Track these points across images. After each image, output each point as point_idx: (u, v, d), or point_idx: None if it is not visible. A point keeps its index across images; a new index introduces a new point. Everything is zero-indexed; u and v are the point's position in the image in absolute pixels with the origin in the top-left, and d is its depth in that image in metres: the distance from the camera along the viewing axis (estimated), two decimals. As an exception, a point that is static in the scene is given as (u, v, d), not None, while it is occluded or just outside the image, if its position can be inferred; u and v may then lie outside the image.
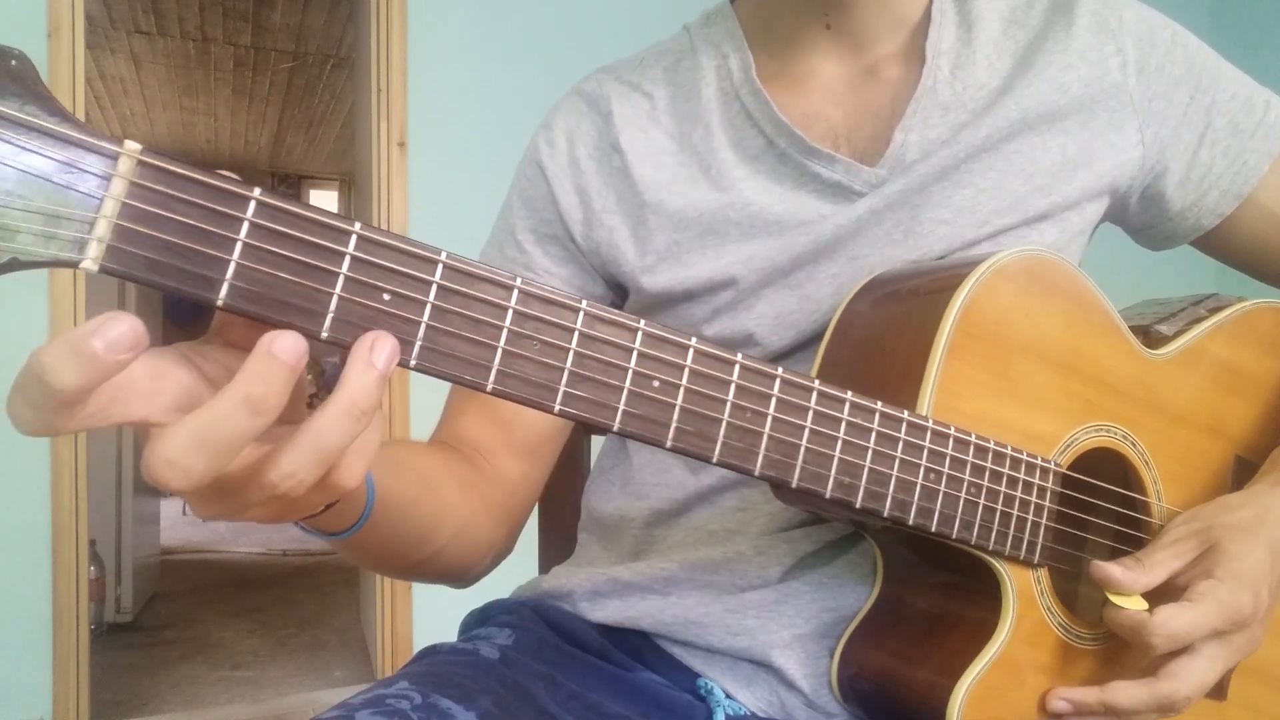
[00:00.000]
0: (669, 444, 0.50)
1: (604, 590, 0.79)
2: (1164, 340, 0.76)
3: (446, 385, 0.84)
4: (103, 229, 0.37)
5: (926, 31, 0.78)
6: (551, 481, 0.90)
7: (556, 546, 0.98)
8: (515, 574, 0.92)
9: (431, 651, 0.75)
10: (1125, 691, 0.62)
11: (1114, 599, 0.63)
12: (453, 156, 2.91)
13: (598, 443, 0.97)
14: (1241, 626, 0.63)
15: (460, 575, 0.78)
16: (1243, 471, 0.77)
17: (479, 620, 0.83)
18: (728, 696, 0.73)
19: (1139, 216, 0.84)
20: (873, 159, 0.75)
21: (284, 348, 0.38)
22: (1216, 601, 0.61)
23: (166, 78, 6.10)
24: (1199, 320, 0.78)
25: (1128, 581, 0.62)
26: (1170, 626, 0.60)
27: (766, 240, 0.76)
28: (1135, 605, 0.62)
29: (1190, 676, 0.62)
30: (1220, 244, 0.85)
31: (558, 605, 0.82)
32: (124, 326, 0.35)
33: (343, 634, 3.88)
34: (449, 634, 0.83)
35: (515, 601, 0.84)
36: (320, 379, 5.57)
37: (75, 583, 2.58)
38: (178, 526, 6.32)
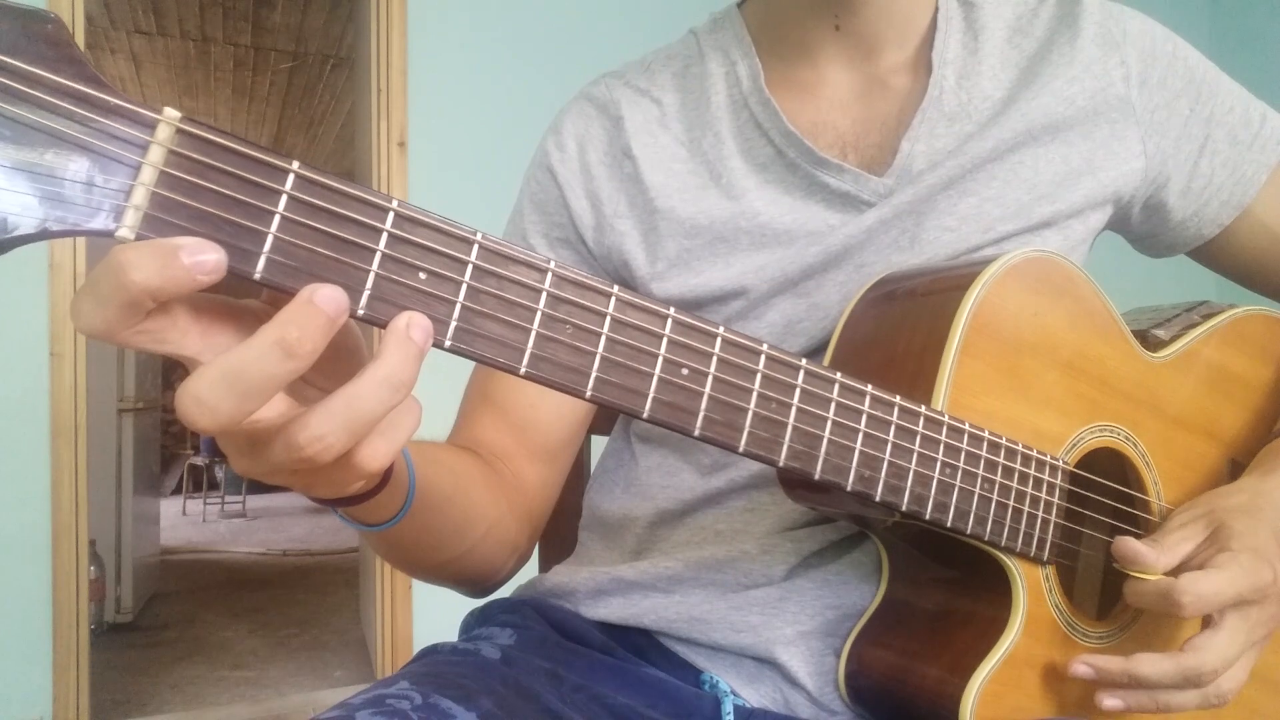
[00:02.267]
0: (697, 432, 0.50)
1: (607, 589, 0.79)
2: (1161, 344, 0.77)
3: (446, 384, 0.84)
4: (140, 197, 0.36)
5: (933, 41, 0.79)
6: (551, 480, 0.90)
7: (557, 546, 0.97)
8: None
9: (432, 651, 0.75)
10: (1150, 663, 0.61)
11: (1136, 574, 0.63)
12: (453, 156, 2.91)
13: (598, 444, 0.97)
14: (1263, 598, 0.63)
15: (486, 578, 0.78)
16: (1237, 475, 0.78)
17: (480, 620, 0.83)
18: (732, 692, 0.73)
19: (1141, 226, 0.85)
20: (880, 168, 0.76)
21: (325, 297, 0.38)
22: (1239, 567, 0.62)
23: (166, 78, 6.09)
24: (1193, 325, 0.80)
25: (1151, 558, 0.62)
26: (1197, 586, 0.60)
27: (777, 250, 0.76)
28: None
29: (1214, 649, 0.61)
30: (1218, 254, 0.86)
31: (560, 604, 0.81)
32: (212, 251, 0.36)
33: (343, 634, 3.88)
34: (449, 634, 0.83)
35: (516, 600, 0.84)
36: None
37: (75, 583, 2.58)
38: (178, 526, 6.33)
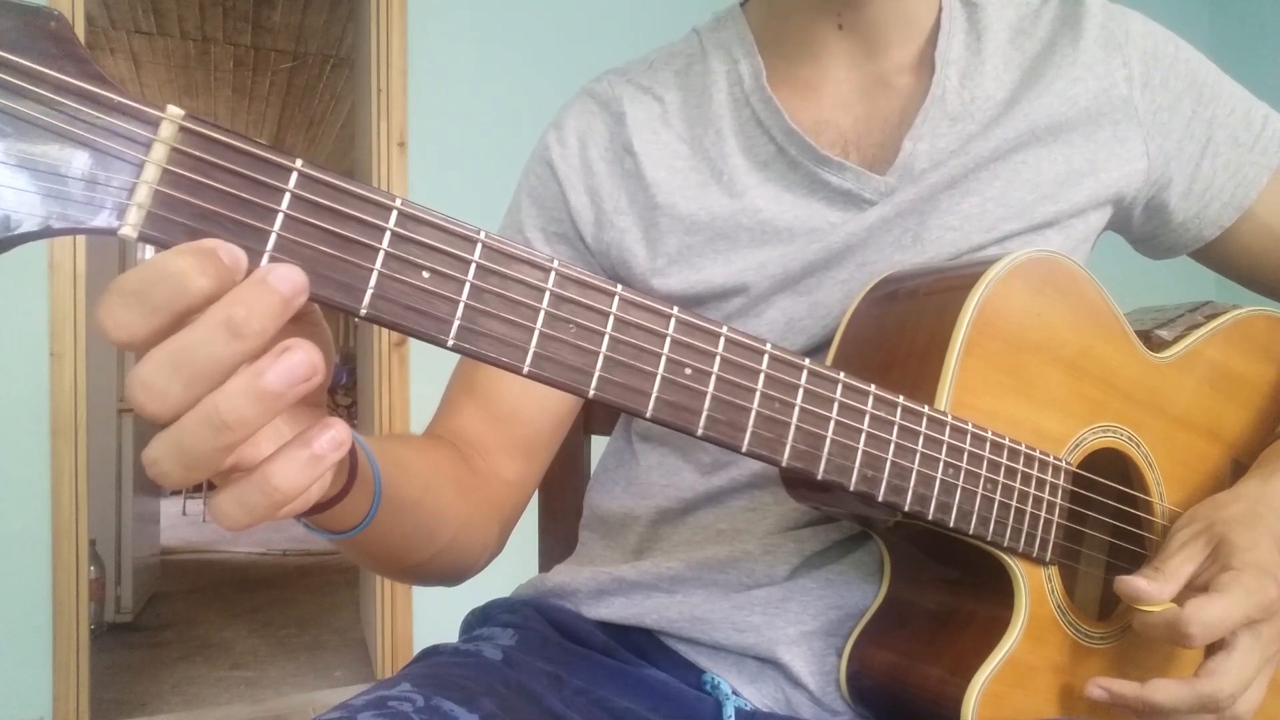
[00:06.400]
0: (700, 432, 0.50)
1: (609, 589, 0.79)
2: (1164, 345, 0.77)
3: (445, 383, 0.83)
4: (143, 195, 0.36)
5: (936, 40, 0.79)
6: (552, 480, 0.90)
7: (557, 545, 0.98)
8: (516, 572, 0.91)
9: (434, 652, 0.75)
10: (1165, 689, 0.61)
11: (1142, 608, 0.62)
12: (453, 156, 2.91)
13: (598, 443, 0.97)
14: (1272, 615, 0.62)
15: (457, 576, 0.77)
16: (1240, 475, 0.78)
17: (481, 620, 0.83)
18: (734, 693, 0.73)
19: (1143, 227, 0.85)
20: (882, 167, 0.76)
21: (280, 276, 0.37)
22: (1243, 588, 0.61)
23: (166, 78, 6.10)
24: (1196, 326, 0.80)
25: (1155, 592, 0.62)
26: (1204, 614, 0.60)
27: (778, 248, 0.76)
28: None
29: (1229, 673, 0.61)
30: (1219, 255, 0.86)
31: (561, 604, 0.81)
32: (240, 251, 0.37)
33: (343, 634, 3.87)
34: (449, 634, 0.83)
35: (517, 601, 0.84)
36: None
37: (75, 583, 2.57)
38: (178, 526, 6.32)
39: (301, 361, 0.37)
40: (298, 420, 0.43)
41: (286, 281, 0.37)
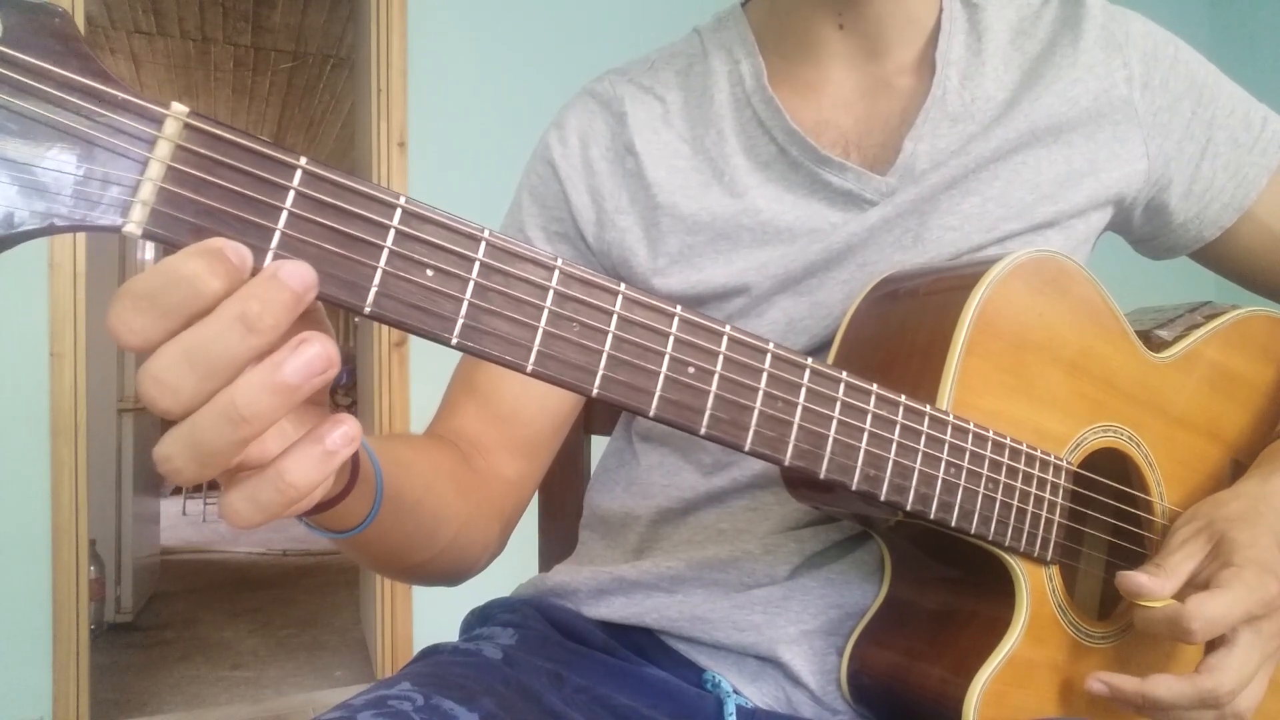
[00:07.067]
0: (703, 431, 0.50)
1: (609, 588, 0.79)
2: (1164, 345, 0.78)
3: (445, 383, 0.83)
4: (147, 192, 0.36)
5: (937, 41, 0.79)
6: (552, 480, 0.90)
7: (557, 545, 0.98)
8: (516, 572, 0.91)
9: (434, 651, 0.75)
10: (1166, 685, 0.61)
11: (1143, 604, 0.63)
12: (453, 156, 2.91)
13: (598, 443, 0.97)
14: (1273, 611, 0.62)
15: (458, 575, 0.77)
16: (1239, 475, 0.78)
17: (481, 619, 0.83)
18: (735, 691, 0.73)
19: (1143, 228, 0.85)
20: (882, 167, 0.76)
21: (290, 272, 0.37)
22: (1244, 584, 0.61)
23: (166, 78, 6.10)
24: (1196, 326, 0.80)
25: (1156, 588, 0.62)
26: (1205, 610, 0.60)
27: (779, 248, 0.76)
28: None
29: (1230, 669, 0.61)
30: (1218, 256, 0.86)
31: (561, 604, 0.81)
32: (245, 248, 0.37)
33: (343, 634, 3.87)
34: (449, 633, 0.83)
35: (518, 600, 0.84)
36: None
37: (75, 583, 2.57)
38: (178, 526, 6.32)
39: (318, 354, 0.38)
40: (302, 419, 0.43)
41: (297, 277, 0.37)
